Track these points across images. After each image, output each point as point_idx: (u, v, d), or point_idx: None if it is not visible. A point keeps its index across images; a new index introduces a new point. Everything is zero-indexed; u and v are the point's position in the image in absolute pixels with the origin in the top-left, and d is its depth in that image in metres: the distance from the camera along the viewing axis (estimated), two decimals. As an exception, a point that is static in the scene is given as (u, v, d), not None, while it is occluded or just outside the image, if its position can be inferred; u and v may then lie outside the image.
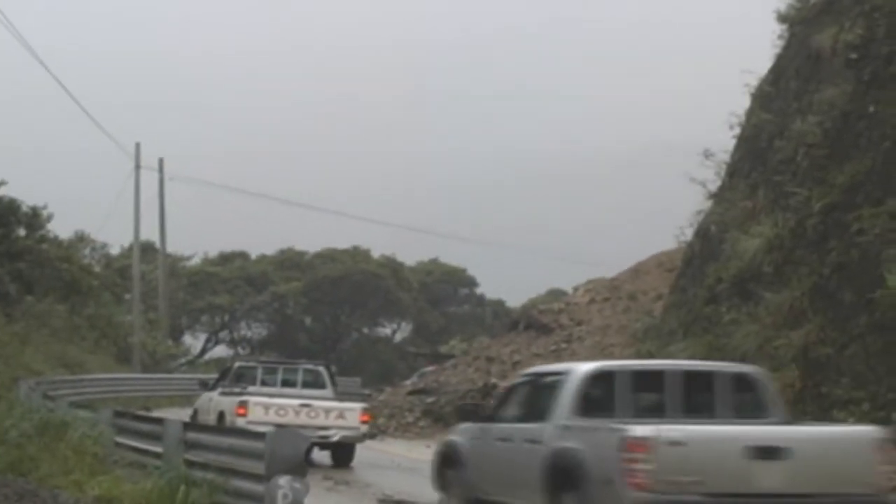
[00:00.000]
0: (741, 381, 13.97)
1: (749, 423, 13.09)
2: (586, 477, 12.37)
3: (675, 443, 11.83)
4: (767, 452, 11.99)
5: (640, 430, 11.93)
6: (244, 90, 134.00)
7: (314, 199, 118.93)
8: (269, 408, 24.81)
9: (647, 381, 13.87)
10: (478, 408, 17.88)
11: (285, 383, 27.66)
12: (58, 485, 13.69)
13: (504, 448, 14.47)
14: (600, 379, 13.76)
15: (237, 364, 30.21)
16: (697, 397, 13.64)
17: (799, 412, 20.44)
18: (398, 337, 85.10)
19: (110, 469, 15.09)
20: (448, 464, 15.81)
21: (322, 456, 24.50)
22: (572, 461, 12.66)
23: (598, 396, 13.58)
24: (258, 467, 12.82)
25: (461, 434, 15.84)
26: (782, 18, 28.39)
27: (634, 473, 11.72)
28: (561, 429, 13.22)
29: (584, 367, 14.11)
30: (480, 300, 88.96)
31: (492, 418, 15.27)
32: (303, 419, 24.02)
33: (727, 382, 13.82)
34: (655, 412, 13.37)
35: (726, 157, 30.17)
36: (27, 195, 46.90)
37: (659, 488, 11.70)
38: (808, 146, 23.81)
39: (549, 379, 14.44)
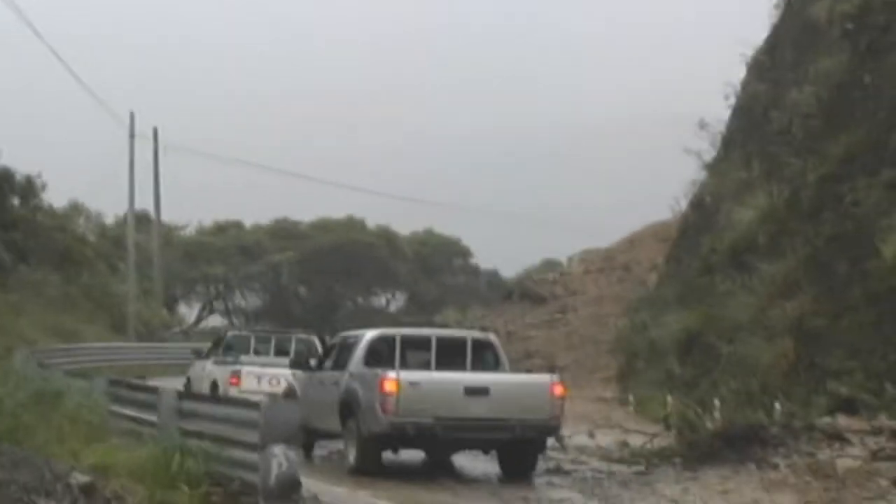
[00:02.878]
0: (482, 344, 18.96)
1: (466, 372, 17.95)
2: (360, 406, 17.32)
3: (413, 383, 16.87)
4: (476, 391, 17.05)
5: (390, 374, 17.02)
6: (238, 60, 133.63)
7: (308, 169, 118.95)
8: (261, 377, 24.85)
9: (417, 343, 18.88)
10: (307, 360, 21.96)
11: (278, 353, 27.64)
12: (53, 453, 13.67)
13: (319, 389, 19.23)
14: (382, 341, 18.86)
15: (230, 333, 30.19)
16: (452, 355, 18.38)
17: (793, 383, 20.52)
18: (393, 307, 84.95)
19: (105, 437, 15.07)
20: None
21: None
22: (353, 396, 17.58)
23: (380, 353, 18.52)
24: (253, 436, 12.84)
25: (297, 379, 20.78)
26: (779, -12, 28.33)
27: (386, 403, 16.72)
28: (351, 375, 18.08)
29: (371, 333, 19.19)
30: (475, 270, 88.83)
31: (315, 368, 20.21)
32: (296, 389, 24.03)
33: (472, 345, 18.66)
34: (421, 365, 18.30)
35: (721, 128, 30.18)
36: (21, 164, 46.78)
37: (402, 413, 16.69)
38: (804, 116, 23.82)
39: (350, 340, 19.37)
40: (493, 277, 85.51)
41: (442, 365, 18.27)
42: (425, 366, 18.37)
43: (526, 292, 48.15)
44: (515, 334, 42.01)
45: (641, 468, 18.06)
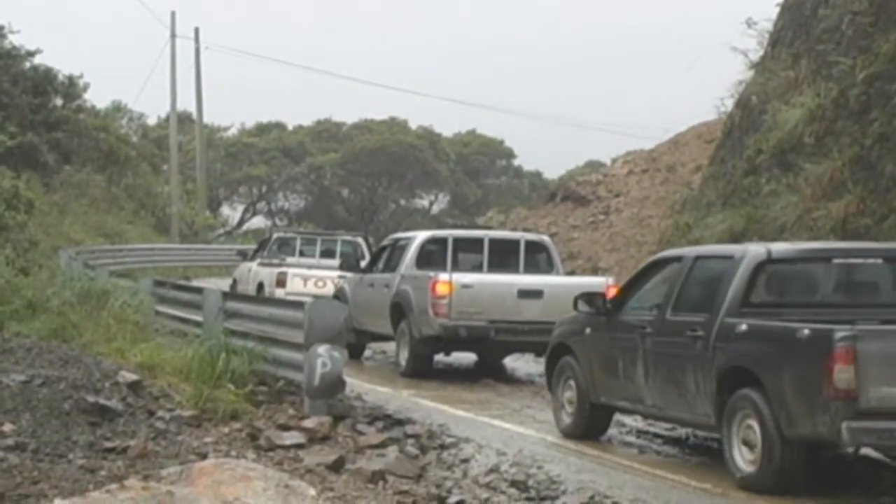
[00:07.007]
0: (536, 246, 18.82)
1: (519, 274, 17.90)
2: (412, 309, 17.28)
3: (465, 286, 16.88)
4: (530, 294, 17.08)
5: (443, 276, 17.01)
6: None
7: (351, 70, 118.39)
8: (307, 279, 24.96)
9: (469, 244, 18.71)
10: (358, 262, 21.92)
11: (323, 254, 27.72)
12: (101, 352, 13.86)
13: (370, 291, 19.04)
14: (434, 243, 18.68)
15: (276, 235, 30.28)
16: (505, 257, 18.44)
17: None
18: (435, 209, 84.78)
19: (151, 337, 15.23)
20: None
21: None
22: (405, 298, 17.53)
23: (432, 255, 18.43)
24: (297, 336, 12.93)
25: (347, 281, 20.49)
26: None
27: (438, 306, 16.74)
28: (403, 277, 17.98)
29: (423, 234, 19.25)
30: (518, 172, 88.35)
31: (366, 270, 20.02)
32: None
33: (526, 247, 18.57)
34: (474, 267, 18.23)
35: (769, 26, 29.73)
36: (63, 64, 46.81)
37: (454, 316, 16.74)
38: (854, 14, 23.40)
39: (401, 242, 19.21)
40: (536, 179, 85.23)
41: (495, 267, 18.26)
42: (478, 268, 18.33)
43: (569, 194, 47.86)
44: (558, 236, 41.90)
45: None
